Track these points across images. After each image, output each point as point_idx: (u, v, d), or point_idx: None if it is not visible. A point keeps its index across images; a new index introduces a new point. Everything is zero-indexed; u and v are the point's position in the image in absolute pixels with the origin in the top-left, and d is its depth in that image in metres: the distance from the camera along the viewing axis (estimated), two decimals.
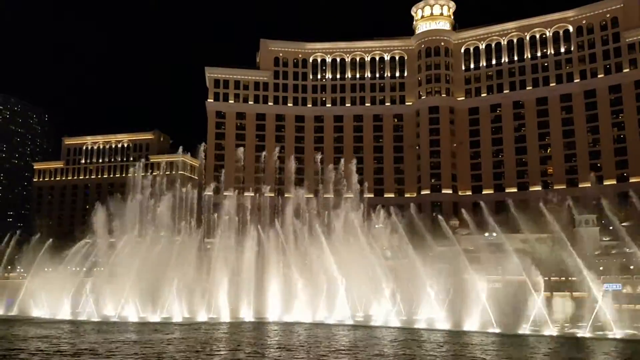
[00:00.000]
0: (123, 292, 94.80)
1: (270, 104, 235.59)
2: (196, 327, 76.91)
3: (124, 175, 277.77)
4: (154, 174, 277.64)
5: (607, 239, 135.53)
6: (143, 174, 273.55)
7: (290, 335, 64.49)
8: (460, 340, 62.28)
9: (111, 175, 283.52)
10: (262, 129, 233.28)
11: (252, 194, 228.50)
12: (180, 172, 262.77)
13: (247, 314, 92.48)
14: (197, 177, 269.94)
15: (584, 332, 66.88)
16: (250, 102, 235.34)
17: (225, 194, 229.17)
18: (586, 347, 56.69)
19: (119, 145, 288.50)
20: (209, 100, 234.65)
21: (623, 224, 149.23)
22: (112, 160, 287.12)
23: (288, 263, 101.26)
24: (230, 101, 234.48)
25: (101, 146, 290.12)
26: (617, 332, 65.36)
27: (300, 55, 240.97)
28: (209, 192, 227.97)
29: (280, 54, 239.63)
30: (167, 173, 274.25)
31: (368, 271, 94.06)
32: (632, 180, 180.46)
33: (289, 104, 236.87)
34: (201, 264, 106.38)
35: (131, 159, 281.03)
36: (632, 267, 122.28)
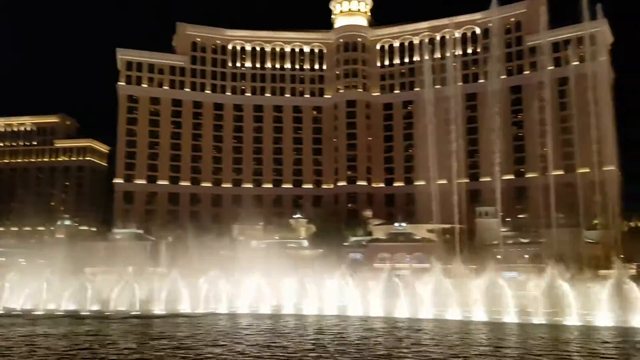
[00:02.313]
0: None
1: (187, 90, 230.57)
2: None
3: (26, 160, 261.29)
4: (59, 159, 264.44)
5: (505, 229, 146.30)
6: (47, 159, 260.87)
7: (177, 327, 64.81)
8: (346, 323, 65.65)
9: (13, 160, 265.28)
10: (178, 116, 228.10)
11: (167, 183, 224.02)
12: (88, 158, 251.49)
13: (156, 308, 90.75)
14: (106, 164, 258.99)
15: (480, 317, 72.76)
16: (165, 87, 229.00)
17: (137, 182, 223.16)
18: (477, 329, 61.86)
19: (22, 129, 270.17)
20: (120, 83, 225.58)
21: (520, 216, 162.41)
22: (14, 144, 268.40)
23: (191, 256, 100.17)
24: (143, 85, 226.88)
25: (2, 129, 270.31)
26: (510, 317, 71.75)
27: (219, 42, 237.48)
28: (119, 179, 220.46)
29: (198, 39, 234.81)
30: (73, 159, 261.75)
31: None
32: (527, 175, 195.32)
33: (207, 91, 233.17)
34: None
35: (35, 143, 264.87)
36: (526, 256, 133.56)
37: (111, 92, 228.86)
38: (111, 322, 68.88)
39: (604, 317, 64.45)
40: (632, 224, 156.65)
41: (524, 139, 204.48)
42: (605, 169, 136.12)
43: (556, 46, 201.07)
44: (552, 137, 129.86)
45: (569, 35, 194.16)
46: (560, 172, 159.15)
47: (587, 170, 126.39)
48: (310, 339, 50.97)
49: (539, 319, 67.43)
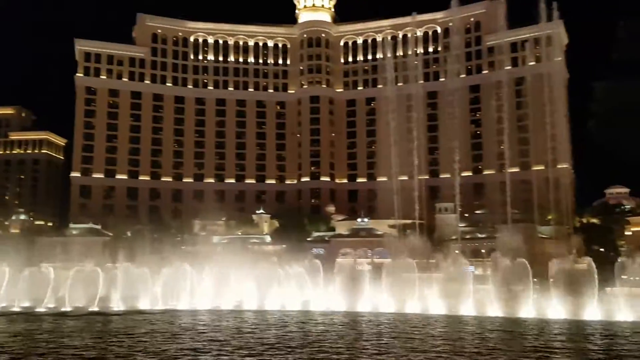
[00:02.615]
0: None
1: (147, 82, 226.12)
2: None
3: None
4: (14, 152, 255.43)
5: (464, 224, 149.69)
6: (2, 151, 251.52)
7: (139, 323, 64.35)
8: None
9: None
10: (138, 109, 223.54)
11: (126, 177, 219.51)
12: (44, 151, 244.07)
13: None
14: (63, 158, 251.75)
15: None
16: (124, 79, 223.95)
17: (94, 176, 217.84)
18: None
19: None
20: (78, 74, 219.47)
21: (477, 212, 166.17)
22: None
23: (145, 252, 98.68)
24: (102, 77, 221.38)
25: None
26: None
27: (180, 34, 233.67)
28: (76, 173, 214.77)
29: (159, 31, 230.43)
30: (29, 152, 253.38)
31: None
32: (485, 172, 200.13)
33: (168, 84, 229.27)
34: None
35: None
36: (483, 250, 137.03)
37: (69, 84, 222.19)
38: (67, 319, 67.45)
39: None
40: (584, 219, 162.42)
41: (482, 137, 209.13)
42: (559, 166, 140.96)
43: (514, 46, 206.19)
44: (508, 135, 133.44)
45: (526, 36, 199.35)
46: (516, 170, 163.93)
47: (542, 167, 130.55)
48: (269, 335, 51.23)
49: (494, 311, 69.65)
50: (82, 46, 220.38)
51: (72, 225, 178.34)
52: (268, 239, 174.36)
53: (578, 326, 57.88)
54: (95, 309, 79.84)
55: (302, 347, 42.81)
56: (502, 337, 49.20)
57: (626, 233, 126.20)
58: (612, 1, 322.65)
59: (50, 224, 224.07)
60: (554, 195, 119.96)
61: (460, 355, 38.89)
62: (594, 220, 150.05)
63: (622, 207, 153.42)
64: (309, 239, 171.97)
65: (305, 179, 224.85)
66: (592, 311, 64.86)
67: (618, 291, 78.82)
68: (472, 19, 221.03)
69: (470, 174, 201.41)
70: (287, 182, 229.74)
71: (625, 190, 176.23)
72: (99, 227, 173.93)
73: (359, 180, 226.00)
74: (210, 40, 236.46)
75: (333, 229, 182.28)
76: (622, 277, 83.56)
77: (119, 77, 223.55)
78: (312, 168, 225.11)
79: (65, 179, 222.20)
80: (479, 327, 57.09)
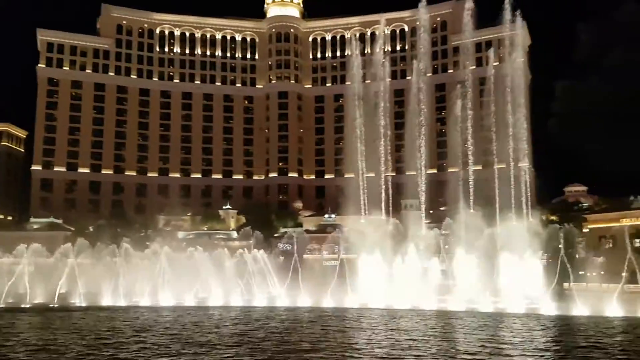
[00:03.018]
0: None
1: (111, 73, 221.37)
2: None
3: None
4: None
5: (428, 221, 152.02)
6: None
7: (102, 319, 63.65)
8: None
9: None
10: (101, 101, 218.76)
11: (88, 171, 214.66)
12: (3, 143, 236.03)
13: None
14: (23, 150, 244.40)
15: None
16: (88, 71, 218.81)
17: (56, 169, 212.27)
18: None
19: None
20: (40, 65, 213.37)
21: (441, 209, 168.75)
22: None
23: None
24: (65, 68, 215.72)
25: None
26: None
27: (146, 25, 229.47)
28: (37, 166, 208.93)
29: (124, 22, 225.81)
30: None
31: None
32: (449, 170, 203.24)
33: (133, 76, 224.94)
34: None
35: None
36: (447, 246, 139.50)
37: (30, 75, 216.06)
38: (27, 316, 65.94)
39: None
40: (543, 217, 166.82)
41: (446, 135, 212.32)
42: (520, 165, 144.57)
43: (478, 46, 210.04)
44: (472, 133, 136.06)
45: (490, 36, 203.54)
46: (479, 167, 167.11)
47: (504, 166, 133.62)
48: (227, 331, 51.24)
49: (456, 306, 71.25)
50: (44, 36, 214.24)
51: (32, 220, 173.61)
52: (234, 234, 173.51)
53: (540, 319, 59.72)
54: (55, 305, 78.27)
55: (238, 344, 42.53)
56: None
57: (584, 230, 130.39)
58: (574, 3, 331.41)
59: (9, 218, 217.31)
60: (515, 192, 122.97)
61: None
62: (553, 217, 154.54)
63: (580, 204, 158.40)
64: (276, 235, 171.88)
65: (273, 174, 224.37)
66: (548, 306, 66.95)
67: (575, 287, 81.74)
68: (438, 19, 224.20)
69: (435, 171, 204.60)
70: (255, 177, 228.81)
71: (584, 188, 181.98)
72: (60, 221, 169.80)
73: (327, 176, 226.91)
74: (177, 32, 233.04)
75: (300, 225, 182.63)
76: (579, 273, 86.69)
77: (82, 68, 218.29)
78: (280, 164, 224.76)
79: (26, 172, 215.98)
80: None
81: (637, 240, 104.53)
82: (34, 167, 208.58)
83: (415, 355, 35.92)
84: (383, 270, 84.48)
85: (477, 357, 34.35)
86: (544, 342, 41.86)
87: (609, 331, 49.11)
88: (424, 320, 58.48)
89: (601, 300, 66.34)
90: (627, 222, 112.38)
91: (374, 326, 54.20)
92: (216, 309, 75.41)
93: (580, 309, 65.33)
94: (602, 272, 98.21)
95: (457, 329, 51.10)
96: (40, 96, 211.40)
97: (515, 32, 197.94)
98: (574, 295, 69.71)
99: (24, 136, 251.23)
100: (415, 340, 43.31)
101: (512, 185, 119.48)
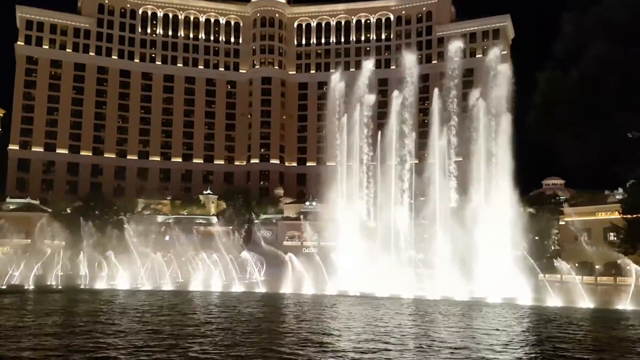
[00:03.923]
0: None
1: (91, 53, 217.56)
2: None
3: None
4: None
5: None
6: None
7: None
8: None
9: None
10: (81, 81, 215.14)
11: (66, 152, 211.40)
12: None
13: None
14: (0, 129, 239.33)
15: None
16: (68, 50, 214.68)
17: (34, 149, 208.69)
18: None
19: None
20: (18, 43, 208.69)
21: (421, 199, 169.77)
22: None
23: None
24: (44, 46, 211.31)
25: None
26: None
27: (128, 5, 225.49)
28: (14, 146, 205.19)
29: (106, 1, 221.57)
30: None
31: None
32: (430, 162, 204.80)
33: (114, 57, 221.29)
34: None
35: None
36: (425, 235, 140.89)
37: (8, 52, 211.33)
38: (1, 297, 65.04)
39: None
40: (520, 208, 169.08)
41: (428, 126, 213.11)
42: (500, 157, 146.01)
43: (463, 38, 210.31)
44: (456, 125, 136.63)
45: (475, 28, 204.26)
46: (459, 159, 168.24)
47: (483, 158, 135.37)
48: (199, 316, 51.20)
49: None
50: (23, 13, 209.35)
51: (8, 200, 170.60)
52: (214, 220, 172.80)
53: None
54: (31, 287, 77.34)
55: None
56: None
57: (560, 223, 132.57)
58: None
59: None
60: (494, 184, 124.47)
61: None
62: (530, 210, 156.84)
63: (557, 197, 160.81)
64: (256, 221, 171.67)
65: (255, 160, 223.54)
66: (525, 296, 68.17)
67: (550, 278, 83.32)
68: (424, 9, 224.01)
69: (417, 161, 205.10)
70: (236, 163, 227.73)
71: (561, 181, 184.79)
72: (37, 202, 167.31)
73: (309, 164, 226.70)
74: (160, 13, 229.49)
75: (281, 212, 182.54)
76: (555, 264, 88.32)
77: (62, 47, 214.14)
78: (262, 150, 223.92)
79: (2, 151, 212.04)
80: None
81: (612, 233, 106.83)
82: (10, 147, 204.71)
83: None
84: (360, 258, 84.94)
85: (448, 344, 34.85)
86: (517, 332, 42.60)
87: (581, 322, 50.21)
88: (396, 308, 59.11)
89: (574, 292, 67.72)
90: (602, 216, 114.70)
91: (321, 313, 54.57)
92: (196, 292, 75.33)
93: (554, 300, 66.61)
94: (577, 265, 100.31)
95: (432, 316, 51.77)
96: (19, 75, 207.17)
97: (499, 24, 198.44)
98: (549, 286, 70.99)
99: (1, 115, 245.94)
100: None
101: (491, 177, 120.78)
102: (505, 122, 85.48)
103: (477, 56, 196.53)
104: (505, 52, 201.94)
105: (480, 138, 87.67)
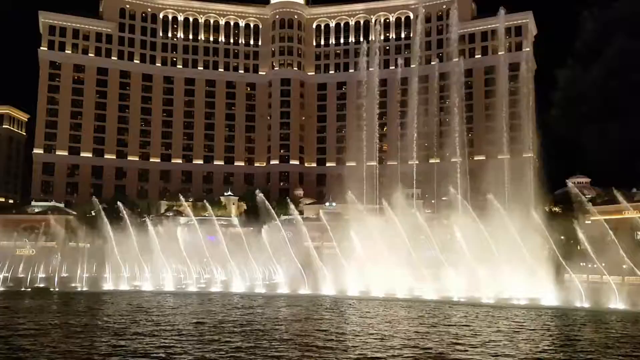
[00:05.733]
0: None
1: (113, 58, 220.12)
2: None
3: None
4: None
5: (429, 211, 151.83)
6: None
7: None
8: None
9: None
10: (104, 85, 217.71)
11: (90, 155, 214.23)
12: (5, 125, 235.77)
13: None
14: (25, 133, 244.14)
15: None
16: (90, 55, 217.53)
17: (58, 153, 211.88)
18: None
19: None
20: (42, 48, 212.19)
21: (444, 198, 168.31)
22: None
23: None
24: (67, 51, 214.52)
25: None
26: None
27: (149, 10, 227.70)
28: (39, 150, 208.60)
29: (127, 5, 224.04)
30: None
31: None
32: (452, 160, 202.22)
33: (136, 61, 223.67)
34: None
35: None
36: (449, 236, 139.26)
37: (32, 57, 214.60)
38: (27, 299, 66.00)
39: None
40: (546, 208, 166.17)
41: (449, 125, 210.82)
42: (524, 155, 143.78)
43: (484, 35, 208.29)
44: (475, 124, 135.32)
45: (496, 25, 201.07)
46: (482, 157, 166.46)
47: (508, 156, 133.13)
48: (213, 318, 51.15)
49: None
50: (46, 19, 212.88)
51: (34, 203, 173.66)
52: (235, 221, 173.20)
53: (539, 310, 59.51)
54: (56, 289, 78.32)
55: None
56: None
57: (586, 222, 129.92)
58: None
59: (11, 201, 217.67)
60: (520, 183, 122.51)
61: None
62: (556, 209, 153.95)
63: (584, 196, 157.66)
64: (276, 222, 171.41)
65: (275, 162, 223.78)
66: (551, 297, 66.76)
67: (576, 278, 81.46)
68: (444, 7, 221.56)
69: (438, 160, 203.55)
70: (256, 164, 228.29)
71: (587, 180, 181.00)
72: (61, 205, 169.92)
73: (328, 164, 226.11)
74: (180, 17, 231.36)
75: (301, 213, 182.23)
76: (581, 264, 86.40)
77: (85, 52, 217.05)
78: (282, 151, 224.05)
79: (27, 155, 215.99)
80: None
81: (639, 232, 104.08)
82: (35, 151, 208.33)
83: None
84: (373, 259, 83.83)
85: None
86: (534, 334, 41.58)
87: (610, 324, 48.88)
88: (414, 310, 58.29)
89: (601, 292, 66.10)
90: (629, 215, 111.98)
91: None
92: (217, 294, 75.49)
93: (581, 300, 65.09)
94: (604, 264, 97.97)
95: (453, 319, 50.92)
96: (42, 79, 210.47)
97: (522, 21, 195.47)
98: (576, 286, 69.44)
99: (26, 119, 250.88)
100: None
101: (516, 175, 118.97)
102: (529, 120, 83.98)
103: (499, 53, 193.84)
104: (528, 49, 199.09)
105: (503, 137, 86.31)
